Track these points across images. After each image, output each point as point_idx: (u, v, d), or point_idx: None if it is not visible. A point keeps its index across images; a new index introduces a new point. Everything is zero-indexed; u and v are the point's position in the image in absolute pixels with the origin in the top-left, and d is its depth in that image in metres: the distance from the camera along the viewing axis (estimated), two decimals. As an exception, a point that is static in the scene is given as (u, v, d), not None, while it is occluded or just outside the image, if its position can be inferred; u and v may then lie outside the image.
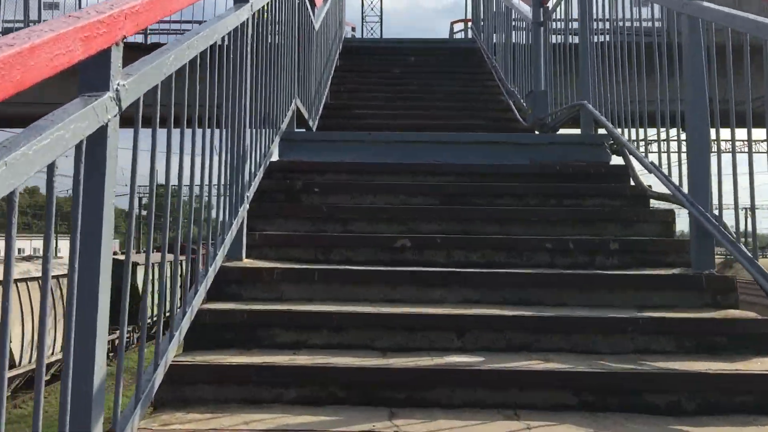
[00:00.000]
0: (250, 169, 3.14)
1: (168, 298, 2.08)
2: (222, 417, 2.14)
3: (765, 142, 16.17)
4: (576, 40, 4.87)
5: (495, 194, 3.85)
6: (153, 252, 2.07)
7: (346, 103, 6.58)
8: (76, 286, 1.42)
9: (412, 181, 4.02)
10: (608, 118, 4.09)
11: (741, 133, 2.76)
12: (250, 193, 3.13)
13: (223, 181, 2.67)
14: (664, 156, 3.38)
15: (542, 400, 2.27)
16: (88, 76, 1.54)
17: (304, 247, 3.33)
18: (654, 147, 3.73)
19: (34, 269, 13.51)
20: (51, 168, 1.28)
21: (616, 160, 4.32)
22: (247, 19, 2.91)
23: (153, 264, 2.01)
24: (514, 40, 6.33)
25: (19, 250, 34.47)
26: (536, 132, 5.42)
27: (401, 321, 2.65)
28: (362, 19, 26.48)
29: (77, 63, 1.42)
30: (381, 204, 3.78)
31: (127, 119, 1.67)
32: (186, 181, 2.15)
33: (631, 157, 3.93)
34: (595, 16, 4.49)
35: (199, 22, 6.27)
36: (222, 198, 2.69)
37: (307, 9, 4.97)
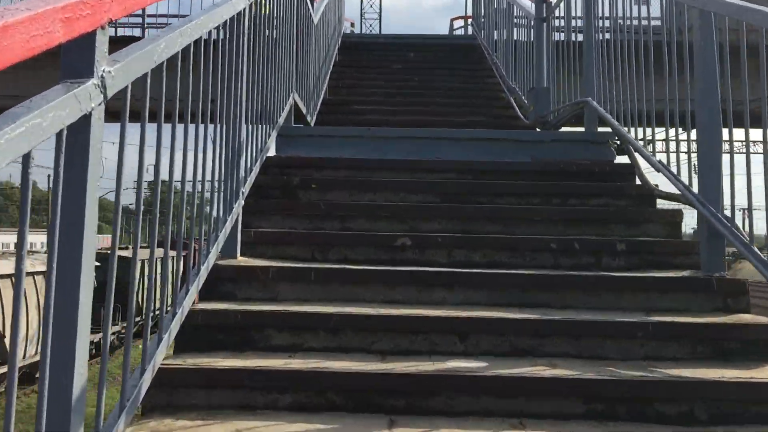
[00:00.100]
0: (246, 164, 3.03)
1: (157, 298, 1.98)
2: (213, 424, 2.03)
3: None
4: (579, 36, 4.78)
5: (496, 193, 3.75)
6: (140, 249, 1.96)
7: (345, 99, 6.49)
8: (55, 278, 1.30)
9: (411, 178, 3.92)
10: (613, 115, 3.99)
11: (755, 134, 2.66)
12: (245, 189, 3.03)
13: (217, 176, 2.57)
14: (671, 155, 3.28)
15: (549, 409, 2.17)
16: (70, 61, 1.43)
17: (300, 245, 3.23)
18: (660, 146, 3.63)
19: (30, 265, 13.41)
20: (27, 158, 1.18)
21: (619, 159, 4.24)
22: (244, 9, 2.81)
23: (143, 261, 1.90)
24: (515, 37, 6.24)
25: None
26: (538, 129, 5.33)
27: (401, 323, 2.55)
28: (361, 15, 26.41)
29: (57, 46, 1.31)
30: (380, 201, 3.68)
31: (115, 113, 1.57)
32: (178, 176, 2.04)
33: (637, 156, 3.83)
34: (599, 13, 4.39)
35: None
36: (216, 193, 2.58)
37: (306, 2, 4.88)
